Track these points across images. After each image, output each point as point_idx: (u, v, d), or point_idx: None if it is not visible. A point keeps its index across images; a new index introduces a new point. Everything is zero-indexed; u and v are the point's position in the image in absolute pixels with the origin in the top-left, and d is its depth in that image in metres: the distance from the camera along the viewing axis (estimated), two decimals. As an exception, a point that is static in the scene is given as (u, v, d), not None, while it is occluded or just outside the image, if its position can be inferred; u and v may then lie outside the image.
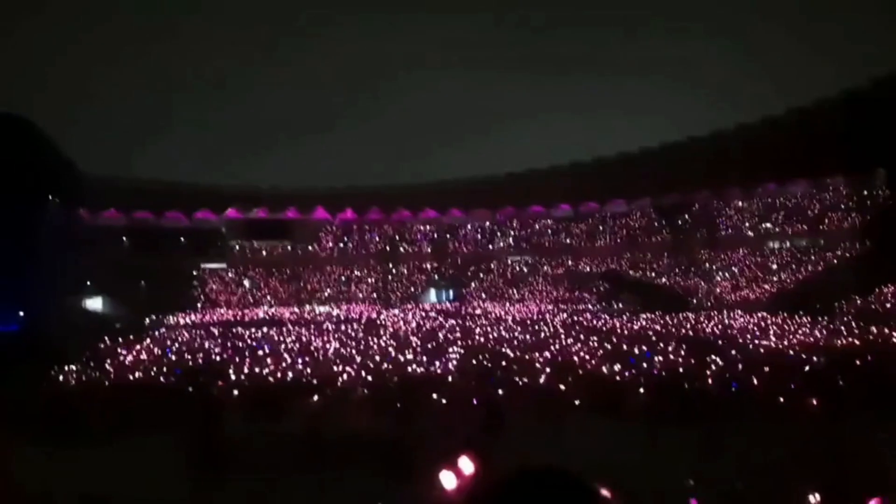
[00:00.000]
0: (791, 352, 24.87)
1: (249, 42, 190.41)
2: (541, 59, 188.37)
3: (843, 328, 33.03)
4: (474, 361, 24.46)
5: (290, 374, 22.89)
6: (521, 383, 19.44)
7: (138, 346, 32.60)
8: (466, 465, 6.33)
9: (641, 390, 17.75)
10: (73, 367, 24.38)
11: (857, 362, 21.12)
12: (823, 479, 8.17)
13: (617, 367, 21.64)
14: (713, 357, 22.95)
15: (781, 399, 16.17)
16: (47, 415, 16.73)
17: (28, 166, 41.87)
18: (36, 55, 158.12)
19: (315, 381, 20.62)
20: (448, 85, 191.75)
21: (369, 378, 21.28)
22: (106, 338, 34.88)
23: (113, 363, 26.86)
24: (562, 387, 18.61)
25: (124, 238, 74.59)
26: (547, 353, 25.96)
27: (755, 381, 18.65)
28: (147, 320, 49.82)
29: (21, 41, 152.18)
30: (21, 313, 39.56)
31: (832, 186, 67.28)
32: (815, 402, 15.21)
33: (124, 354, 29.86)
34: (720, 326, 36.72)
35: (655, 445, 13.88)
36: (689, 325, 37.61)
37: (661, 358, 23.91)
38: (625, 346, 27.73)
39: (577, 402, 17.07)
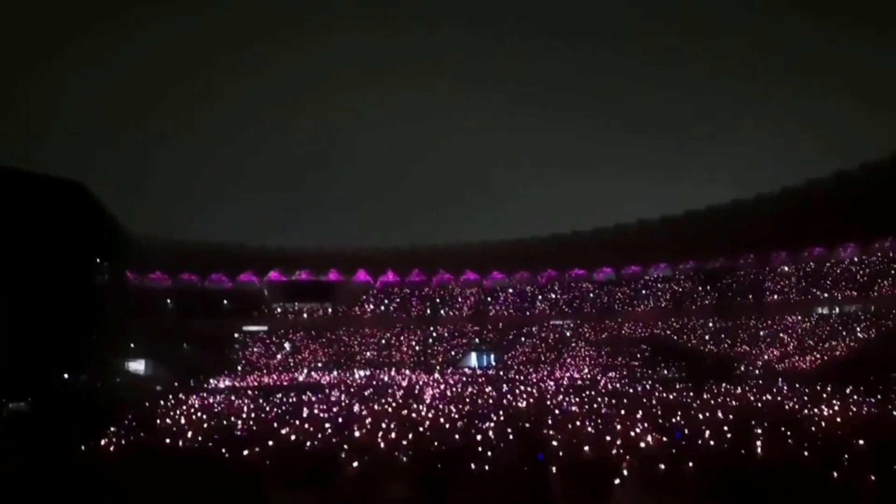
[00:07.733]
0: (844, 425, 23.92)
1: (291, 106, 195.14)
2: (585, 120, 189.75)
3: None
4: (515, 429, 24.01)
5: (329, 440, 22.70)
6: (563, 455, 18.97)
7: (178, 411, 32.62)
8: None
9: (690, 464, 17.24)
10: (114, 431, 24.43)
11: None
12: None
13: (663, 439, 21.06)
14: (761, 430, 22.23)
15: (835, 474, 15.55)
16: (90, 478, 16.82)
17: (78, 230, 42.69)
18: (83, 121, 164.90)
19: (354, 448, 20.42)
20: (486, 144, 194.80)
21: (409, 445, 21.03)
22: (146, 401, 35.07)
23: (152, 427, 26.88)
24: (606, 459, 18.15)
25: (168, 300, 76.13)
26: (590, 422, 25.40)
27: (806, 455, 18.01)
28: (188, 383, 50.12)
29: (75, 109, 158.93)
30: (66, 375, 40.19)
31: (882, 251, 65.84)
32: (869, 479, 14.63)
33: (163, 419, 29.84)
34: (768, 396, 35.64)
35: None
36: (735, 395, 36.59)
37: (706, 429, 23.21)
38: (669, 417, 26.97)
39: (622, 476, 16.59)
